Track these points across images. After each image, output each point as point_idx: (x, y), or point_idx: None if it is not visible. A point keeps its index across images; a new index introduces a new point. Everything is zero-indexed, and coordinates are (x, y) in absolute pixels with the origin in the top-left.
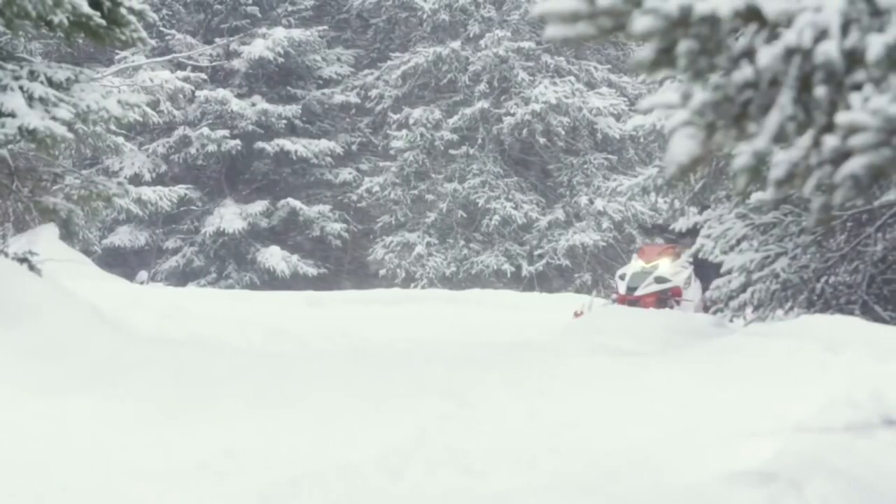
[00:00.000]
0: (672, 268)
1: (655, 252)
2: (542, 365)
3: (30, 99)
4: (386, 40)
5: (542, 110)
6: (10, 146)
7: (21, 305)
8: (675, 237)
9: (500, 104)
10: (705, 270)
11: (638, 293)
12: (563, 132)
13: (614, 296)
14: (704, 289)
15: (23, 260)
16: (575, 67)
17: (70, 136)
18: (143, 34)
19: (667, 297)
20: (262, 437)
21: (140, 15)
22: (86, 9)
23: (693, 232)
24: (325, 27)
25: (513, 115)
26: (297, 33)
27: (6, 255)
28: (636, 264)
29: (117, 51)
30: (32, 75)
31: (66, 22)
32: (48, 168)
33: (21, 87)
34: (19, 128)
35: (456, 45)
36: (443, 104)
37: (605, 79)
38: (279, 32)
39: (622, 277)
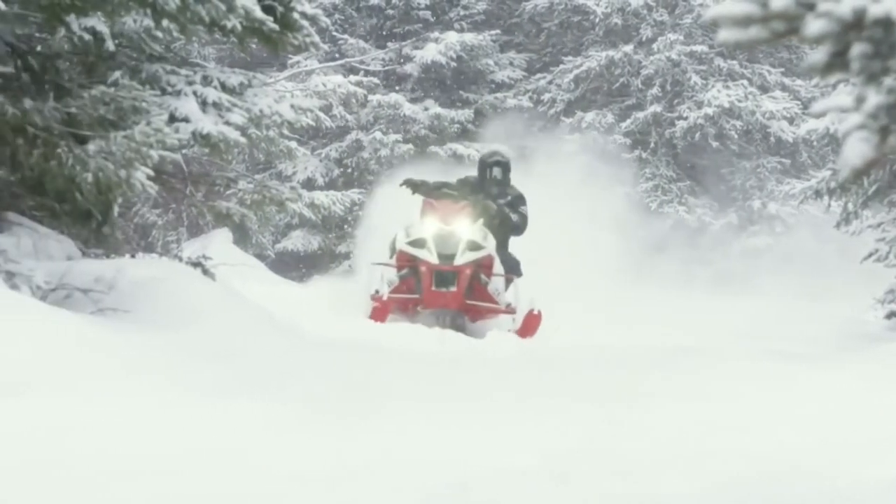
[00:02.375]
0: (479, 231)
1: (452, 210)
2: (706, 369)
3: (203, 104)
4: (558, 44)
5: (714, 114)
6: (183, 151)
7: (192, 309)
8: (452, 191)
9: (672, 108)
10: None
11: (458, 262)
12: (735, 136)
13: (394, 264)
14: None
15: (196, 264)
16: (748, 71)
17: (243, 140)
18: (316, 39)
19: (478, 269)
20: (425, 440)
21: (313, 20)
22: (259, 14)
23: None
24: (498, 31)
25: (685, 118)
26: (470, 37)
27: (180, 259)
28: (432, 225)
29: (290, 56)
30: (206, 80)
31: (239, 27)
32: (221, 173)
33: (195, 93)
34: (193, 133)
35: (628, 48)
36: (615, 108)
37: (778, 82)
38: (452, 37)
39: (417, 244)
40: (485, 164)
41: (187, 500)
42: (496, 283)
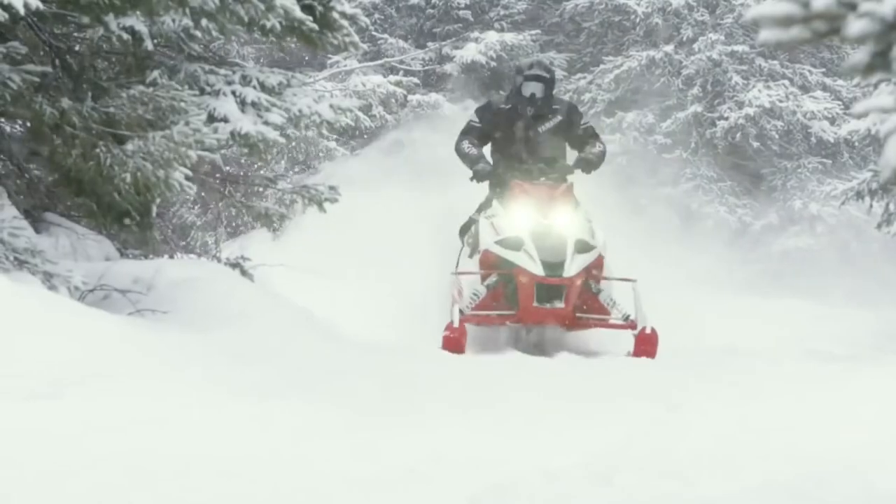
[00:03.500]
0: (586, 224)
1: (545, 193)
2: (753, 370)
3: (242, 104)
4: (598, 44)
5: (755, 114)
6: (222, 151)
7: (231, 309)
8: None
9: (713, 108)
10: None
11: (569, 273)
12: (776, 136)
13: (478, 271)
14: None
15: (235, 265)
16: (789, 71)
17: (282, 140)
18: (356, 38)
19: (587, 277)
20: (468, 441)
21: (352, 19)
22: (298, 13)
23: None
24: (538, 31)
25: (726, 118)
26: (510, 37)
27: (219, 259)
28: (527, 217)
29: (329, 55)
30: (245, 80)
31: (278, 27)
32: (261, 173)
33: (234, 92)
34: (232, 132)
35: (669, 48)
36: (655, 108)
37: (819, 82)
38: (492, 36)
39: (511, 245)
40: (520, 78)
41: (234, 501)
42: (610, 290)
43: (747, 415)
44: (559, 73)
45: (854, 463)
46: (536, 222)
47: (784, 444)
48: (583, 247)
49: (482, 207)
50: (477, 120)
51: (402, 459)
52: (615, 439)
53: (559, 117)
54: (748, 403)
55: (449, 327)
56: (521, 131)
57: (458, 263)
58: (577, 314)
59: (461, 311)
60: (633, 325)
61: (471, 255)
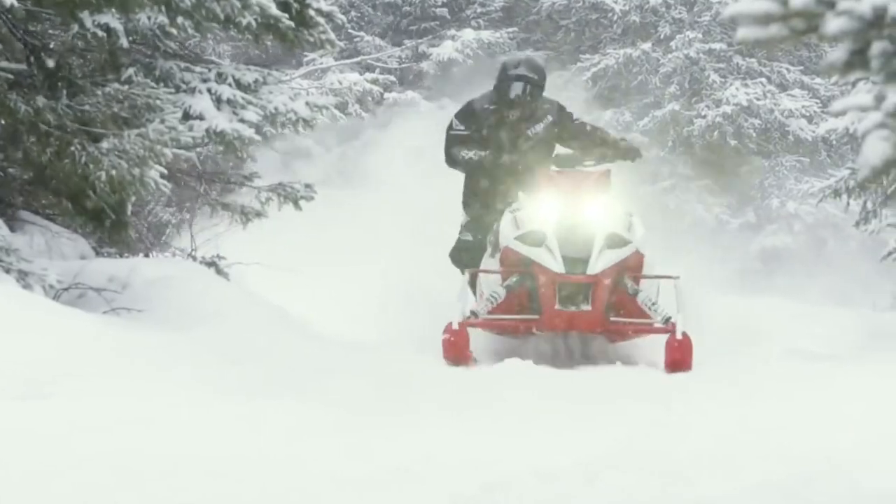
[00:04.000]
0: (622, 216)
1: (577, 184)
2: (744, 369)
3: (218, 101)
4: (576, 42)
5: (733, 112)
6: (198, 149)
7: (207, 308)
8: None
9: (690, 106)
10: None
11: (594, 269)
12: (754, 134)
13: (498, 269)
14: None
15: (210, 263)
16: (766, 69)
17: (258, 138)
18: (332, 36)
19: (622, 275)
20: (461, 442)
21: (329, 17)
22: (274, 11)
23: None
24: (515, 29)
25: (704, 117)
26: (487, 35)
27: (194, 258)
28: (552, 209)
29: (305, 53)
30: (220, 78)
31: (254, 24)
32: (236, 171)
33: (209, 90)
34: (207, 130)
35: (646, 46)
36: (633, 106)
37: (797, 80)
38: (468, 34)
39: (532, 240)
40: (506, 77)
41: (223, 501)
42: (649, 290)
43: (742, 414)
44: None
45: (841, 462)
46: (563, 214)
47: (775, 443)
48: (615, 241)
49: (465, 227)
50: (461, 127)
51: (392, 459)
52: (612, 440)
53: (549, 118)
54: (740, 403)
55: (448, 329)
56: (507, 135)
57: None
58: (612, 318)
59: (472, 314)
60: (671, 329)
61: (492, 255)
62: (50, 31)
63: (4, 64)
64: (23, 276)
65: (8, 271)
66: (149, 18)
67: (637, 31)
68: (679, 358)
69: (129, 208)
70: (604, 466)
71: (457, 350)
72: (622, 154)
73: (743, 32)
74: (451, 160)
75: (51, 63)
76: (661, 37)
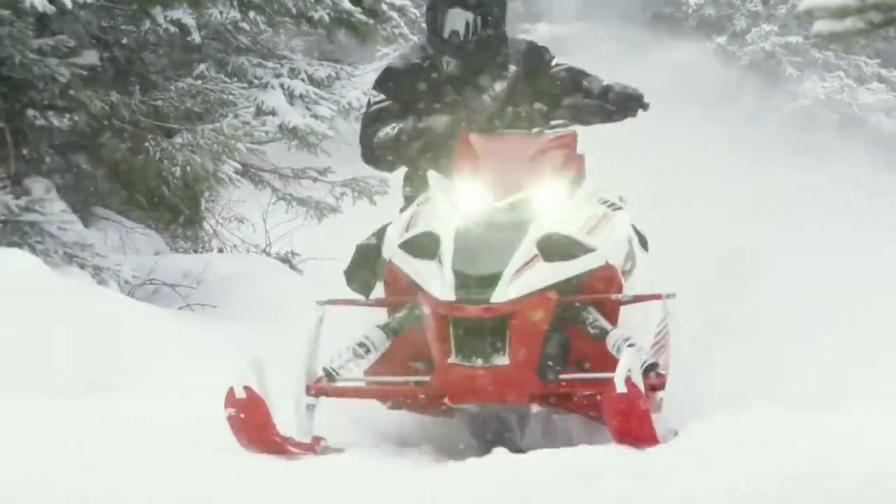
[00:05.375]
0: (589, 205)
1: (510, 156)
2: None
3: (290, 96)
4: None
5: (810, 106)
6: (271, 143)
7: (279, 304)
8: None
9: (767, 100)
10: None
11: (504, 297)
12: (832, 128)
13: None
14: None
15: (284, 259)
16: (844, 62)
17: (331, 133)
18: (405, 30)
19: (576, 304)
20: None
21: (401, 10)
22: (346, 4)
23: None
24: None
25: (781, 111)
26: (560, 28)
27: (268, 254)
28: (462, 194)
29: (378, 47)
30: (293, 73)
31: (326, 18)
32: (310, 165)
33: (282, 85)
34: (280, 125)
35: (722, 40)
36: (706, 100)
37: (874, 73)
38: (542, 28)
39: (421, 249)
40: (437, 6)
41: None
42: (633, 325)
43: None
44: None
45: (835, 465)
46: (479, 206)
47: (770, 443)
48: (560, 248)
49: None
50: (382, 96)
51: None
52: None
53: (512, 66)
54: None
55: (228, 398)
56: (451, 98)
57: None
58: (547, 376)
59: (327, 373)
60: (661, 385)
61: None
62: (122, 27)
63: (78, 60)
64: (98, 272)
65: (83, 267)
66: (221, 13)
67: (713, 24)
68: (622, 423)
69: (203, 203)
70: (597, 463)
71: (249, 431)
72: (622, 107)
73: (819, 26)
74: (366, 152)
75: (123, 59)
76: (737, 30)
